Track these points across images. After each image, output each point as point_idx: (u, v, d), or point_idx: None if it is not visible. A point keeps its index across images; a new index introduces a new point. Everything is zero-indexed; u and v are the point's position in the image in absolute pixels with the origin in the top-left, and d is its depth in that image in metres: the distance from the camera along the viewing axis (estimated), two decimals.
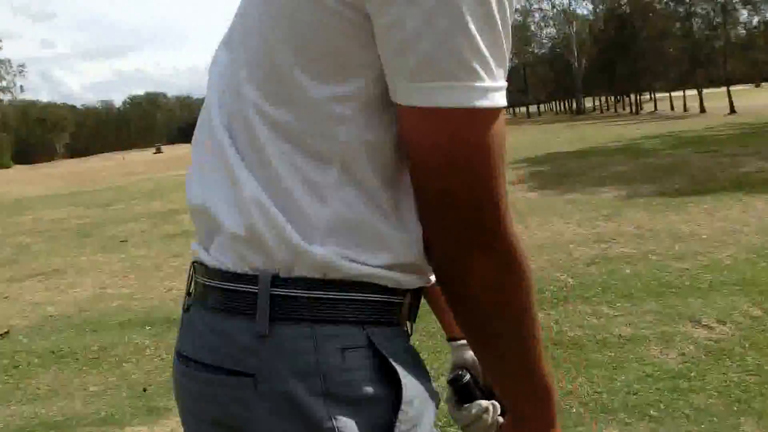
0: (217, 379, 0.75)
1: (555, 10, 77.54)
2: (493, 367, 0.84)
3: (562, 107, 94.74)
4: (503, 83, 0.69)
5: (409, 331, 0.86)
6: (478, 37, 0.66)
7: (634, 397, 3.15)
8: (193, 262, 0.86)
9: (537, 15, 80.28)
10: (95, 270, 7.32)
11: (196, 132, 0.88)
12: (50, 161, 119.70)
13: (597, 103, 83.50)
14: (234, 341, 0.75)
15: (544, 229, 6.99)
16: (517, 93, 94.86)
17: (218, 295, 0.78)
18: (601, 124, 37.79)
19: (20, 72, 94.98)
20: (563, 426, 2.83)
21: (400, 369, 0.75)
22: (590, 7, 76.98)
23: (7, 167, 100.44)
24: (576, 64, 71.42)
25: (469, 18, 0.65)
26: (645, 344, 3.78)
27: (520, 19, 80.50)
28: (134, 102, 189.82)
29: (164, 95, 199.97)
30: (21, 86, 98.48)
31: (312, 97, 0.72)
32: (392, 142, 0.75)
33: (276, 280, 0.74)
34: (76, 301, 6.01)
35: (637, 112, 56.30)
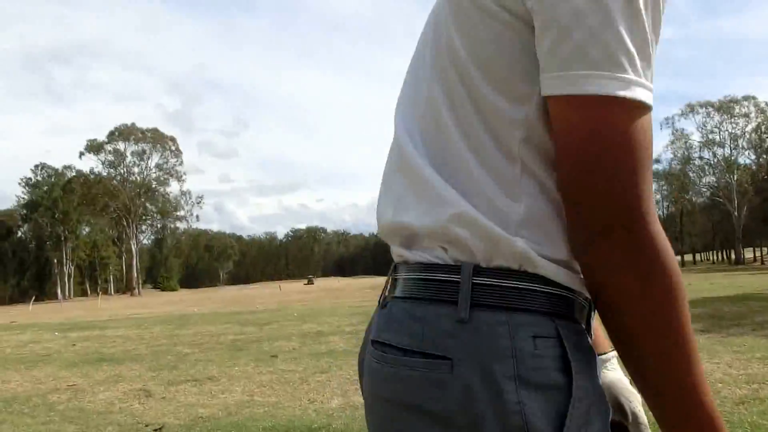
0: (413, 361, 0.80)
1: (716, 158, 75.57)
2: (642, 385, 0.81)
3: (719, 257, 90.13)
4: (648, 82, 0.74)
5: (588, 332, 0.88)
6: (625, 35, 0.71)
7: None
8: (394, 264, 0.95)
9: (697, 163, 78.47)
10: (246, 379, 7.70)
11: (385, 167, 0.98)
12: (214, 287, 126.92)
13: (758, 254, 78.72)
14: (434, 326, 0.81)
15: None
16: (672, 241, 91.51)
17: (420, 285, 0.86)
18: (761, 274, 35.39)
19: (198, 203, 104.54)
20: None
21: (574, 365, 0.78)
22: (753, 156, 74.34)
23: (174, 290, 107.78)
24: (736, 213, 68.51)
25: (617, 16, 0.71)
26: None
27: (678, 166, 79.03)
28: (296, 235, 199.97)
29: (324, 230, 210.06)
30: (197, 216, 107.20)
31: (494, 104, 0.81)
32: None
33: (477, 270, 0.81)
34: (226, 405, 6.37)
35: None
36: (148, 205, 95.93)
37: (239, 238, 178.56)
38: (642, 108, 0.73)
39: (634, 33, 0.72)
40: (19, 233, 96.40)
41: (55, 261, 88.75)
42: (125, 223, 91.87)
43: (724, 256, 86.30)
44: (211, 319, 17.78)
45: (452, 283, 0.82)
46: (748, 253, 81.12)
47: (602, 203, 0.73)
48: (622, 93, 0.71)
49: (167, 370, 8.87)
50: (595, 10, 0.71)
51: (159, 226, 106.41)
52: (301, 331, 13.03)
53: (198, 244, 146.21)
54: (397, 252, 0.94)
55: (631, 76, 0.72)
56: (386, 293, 0.96)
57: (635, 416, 1.07)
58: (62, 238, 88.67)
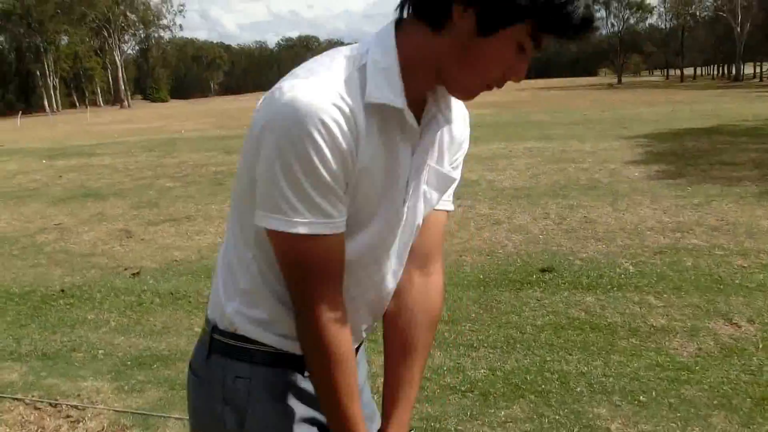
0: (189, 372, 1.35)
1: None
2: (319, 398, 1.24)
3: (720, 72, 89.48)
4: (309, 219, 1.08)
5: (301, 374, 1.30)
6: (289, 192, 1.06)
7: (636, 383, 3.53)
8: None
9: None
10: (220, 219, 8.24)
11: None
12: (204, 98, 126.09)
13: (758, 70, 78.03)
14: (199, 356, 1.33)
15: (630, 213, 7.21)
16: (673, 55, 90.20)
17: (203, 327, 1.36)
18: (753, 95, 35.39)
19: (180, 11, 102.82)
20: (563, 402, 3.35)
21: (252, 401, 1.25)
22: None
23: (164, 101, 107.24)
24: (738, 29, 67.06)
25: (282, 181, 1.05)
26: (671, 336, 4.12)
27: None
28: (287, 44, 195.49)
29: (316, 39, 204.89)
30: (180, 25, 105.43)
31: (244, 213, 1.19)
32: None
33: (215, 327, 1.28)
34: (199, 248, 6.94)
35: None
36: (128, 13, 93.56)
37: (228, 48, 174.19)
38: (305, 238, 1.09)
39: (296, 190, 1.07)
40: None
41: (38, 73, 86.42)
42: (106, 34, 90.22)
43: (725, 72, 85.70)
44: (197, 146, 18.08)
45: (206, 332, 1.32)
46: (749, 69, 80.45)
47: (293, 297, 1.17)
48: (281, 229, 1.09)
49: (149, 208, 9.41)
50: (269, 176, 1.07)
51: (142, 35, 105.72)
52: None
53: (185, 54, 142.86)
54: None
55: (291, 217, 1.08)
56: None
57: None
58: (42, 50, 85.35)
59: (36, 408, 3.72)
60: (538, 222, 6.99)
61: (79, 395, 3.81)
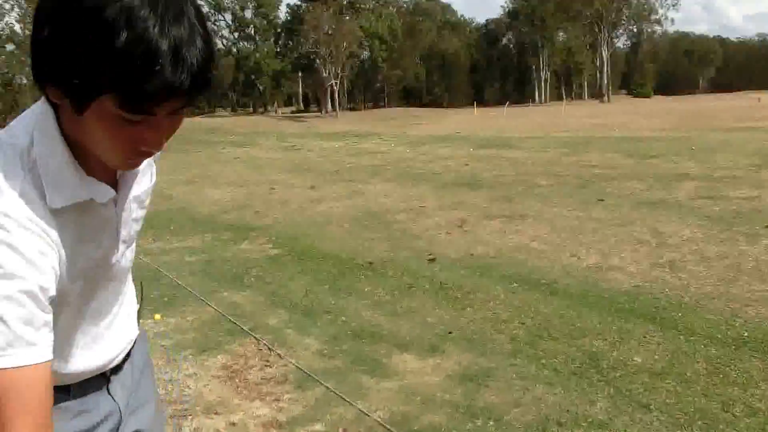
0: None
1: None
2: None
3: None
4: (17, 350, 0.97)
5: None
6: None
7: None
8: None
9: None
10: (547, 223, 8.20)
11: None
12: (691, 94, 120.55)
13: None
14: None
15: None
16: None
17: None
18: None
19: (673, 5, 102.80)
20: None
21: None
22: None
23: (647, 96, 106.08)
24: None
25: None
26: None
27: None
28: None
29: None
30: (672, 19, 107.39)
31: None
32: None
33: None
34: (500, 247, 7.11)
35: None
36: (622, 9, 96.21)
37: (724, 41, 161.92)
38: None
39: None
40: (504, 41, 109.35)
41: (534, 67, 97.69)
42: (597, 29, 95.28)
43: None
44: (611, 145, 17.44)
45: None
46: None
47: None
48: None
49: (501, 202, 9.85)
50: None
51: (634, 30, 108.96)
52: (671, 170, 12.23)
53: (676, 48, 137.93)
54: None
55: None
56: None
57: None
58: (539, 45, 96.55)
59: (258, 348, 4.56)
60: None
61: (285, 344, 4.59)
